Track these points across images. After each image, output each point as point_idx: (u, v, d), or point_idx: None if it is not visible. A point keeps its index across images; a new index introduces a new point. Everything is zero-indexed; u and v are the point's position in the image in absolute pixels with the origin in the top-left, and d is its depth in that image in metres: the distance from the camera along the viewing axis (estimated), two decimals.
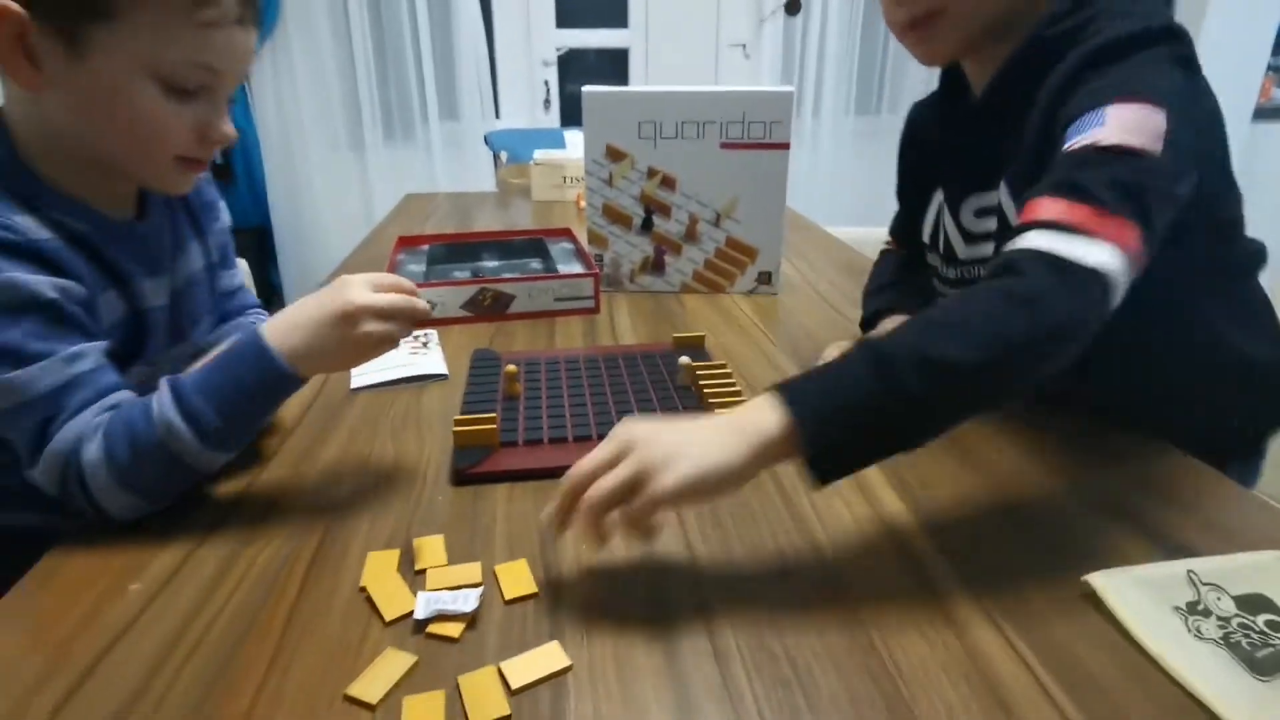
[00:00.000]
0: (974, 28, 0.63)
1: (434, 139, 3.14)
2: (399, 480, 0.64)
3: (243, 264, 1.74)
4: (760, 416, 0.46)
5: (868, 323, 0.84)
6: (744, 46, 3.29)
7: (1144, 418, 0.67)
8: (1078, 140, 0.51)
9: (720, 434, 0.46)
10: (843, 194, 3.29)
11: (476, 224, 1.64)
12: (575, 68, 3.33)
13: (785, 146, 1.05)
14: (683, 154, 1.06)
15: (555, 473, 0.62)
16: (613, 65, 3.35)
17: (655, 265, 1.13)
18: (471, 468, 0.63)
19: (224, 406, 0.56)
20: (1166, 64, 0.54)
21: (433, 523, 0.58)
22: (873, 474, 0.64)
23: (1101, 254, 0.47)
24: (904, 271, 0.88)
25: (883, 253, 0.94)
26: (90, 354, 0.58)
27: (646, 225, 1.11)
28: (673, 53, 3.27)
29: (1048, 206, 0.50)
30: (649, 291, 1.15)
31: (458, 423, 0.67)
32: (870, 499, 0.61)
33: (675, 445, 0.45)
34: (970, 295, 0.48)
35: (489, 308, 1.01)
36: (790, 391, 0.46)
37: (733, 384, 0.75)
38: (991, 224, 0.67)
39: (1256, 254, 0.69)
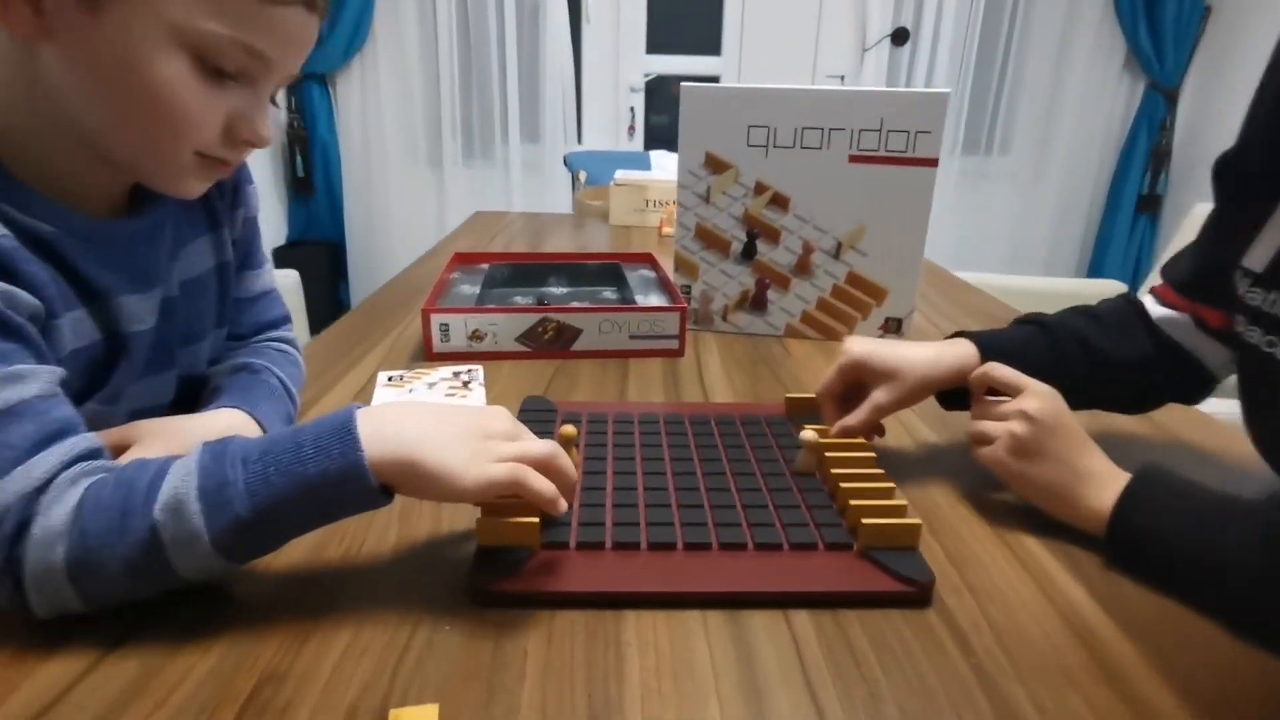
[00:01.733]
0: None
1: (513, 160, 3.05)
2: (395, 591, 0.44)
3: (293, 275, 1.62)
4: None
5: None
6: (843, 78, 3.09)
7: None
8: None
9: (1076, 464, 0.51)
10: (944, 238, 3.01)
11: (547, 246, 1.47)
12: (662, 97, 3.20)
13: (933, 163, 0.83)
14: (800, 167, 0.85)
15: (617, 600, 0.41)
16: None
17: (756, 302, 0.92)
18: (498, 583, 0.43)
19: (269, 508, 0.39)
20: None
21: (429, 674, 0.38)
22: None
23: None
24: (1120, 329, 0.62)
25: (1122, 296, 0.66)
26: (37, 378, 0.41)
27: (748, 253, 0.90)
28: (766, 81, 3.09)
29: None
30: (745, 333, 0.94)
31: (485, 509, 0.47)
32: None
33: None
34: None
35: (550, 342, 0.82)
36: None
37: (880, 474, 0.53)
38: None
39: None
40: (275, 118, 0.55)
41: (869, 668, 0.39)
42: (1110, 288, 1.66)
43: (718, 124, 0.85)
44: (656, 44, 3.08)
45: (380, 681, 0.37)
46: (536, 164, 3.06)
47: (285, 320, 0.69)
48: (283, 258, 2.98)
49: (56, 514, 0.38)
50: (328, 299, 3.14)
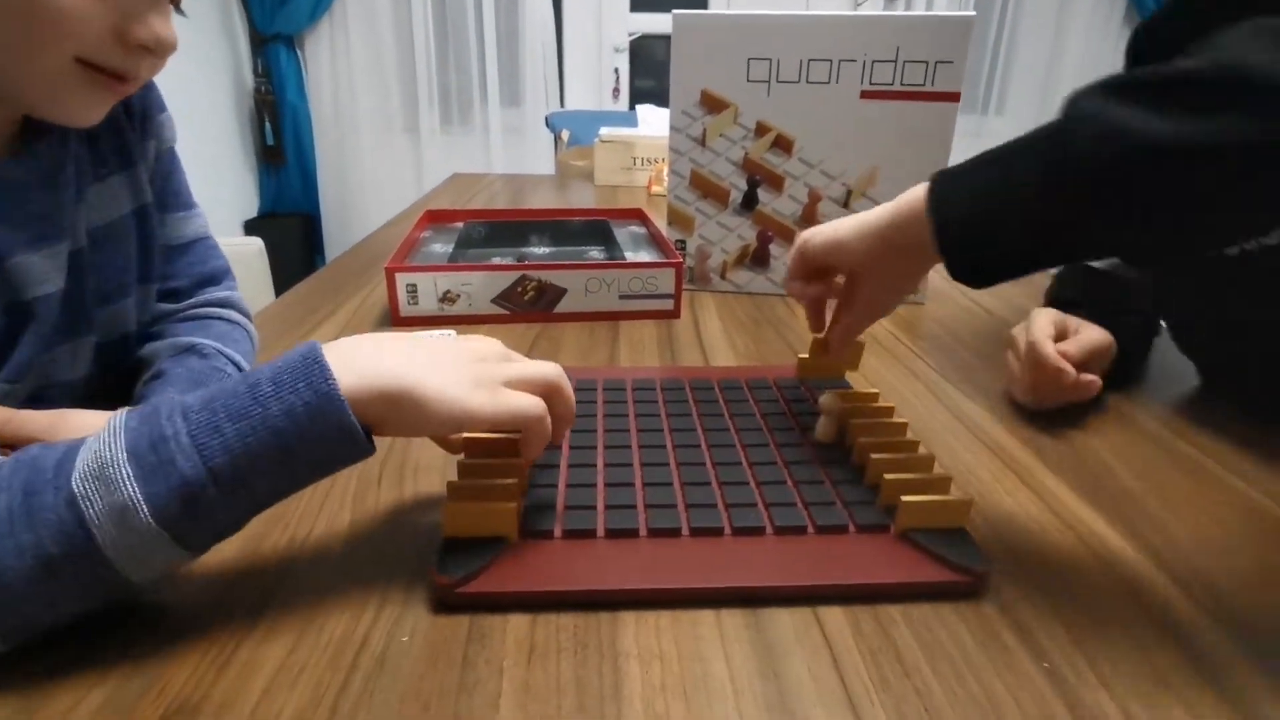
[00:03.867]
0: None
1: (493, 125, 2.93)
2: (342, 594, 0.37)
3: (255, 243, 1.52)
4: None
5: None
6: None
7: None
8: None
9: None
10: None
11: (529, 205, 1.37)
12: (647, 59, 3.07)
13: (955, 98, 0.74)
14: (807, 105, 0.76)
15: (613, 600, 0.34)
16: None
17: (758, 257, 0.84)
18: (466, 582, 0.35)
19: (240, 461, 0.30)
20: None
21: (380, 701, 0.30)
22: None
23: None
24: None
25: None
26: None
27: (749, 202, 0.82)
28: None
29: None
30: (746, 292, 0.86)
31: (452, 491, 0.39)
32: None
33: None
34: None
35: (531, 303, 0.74)
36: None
37: (914, 443, 0.45)
38: None
39: None
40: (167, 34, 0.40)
41: (921, 677, 0.32)
42: None
43: (714, 57, 0.76)
44: (641, 0, 2.95)
45: (317, 714, 0.30)
46: (518, 129, 2.94)
47: (226, 273, 0.60)
48: (253, 230, 2.85)
49: None
50: (303, 274, 3.02)
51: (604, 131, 1.56)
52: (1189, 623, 0.36)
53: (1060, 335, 0.56)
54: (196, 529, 0.31)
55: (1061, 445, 0.53)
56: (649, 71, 3.13)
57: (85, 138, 0.47)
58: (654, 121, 1.57)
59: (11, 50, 0.38)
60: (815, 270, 0.49)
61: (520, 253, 0.96)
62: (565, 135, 1.77)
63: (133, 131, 0.51)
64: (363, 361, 0.33)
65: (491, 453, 0.42)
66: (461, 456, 0.43)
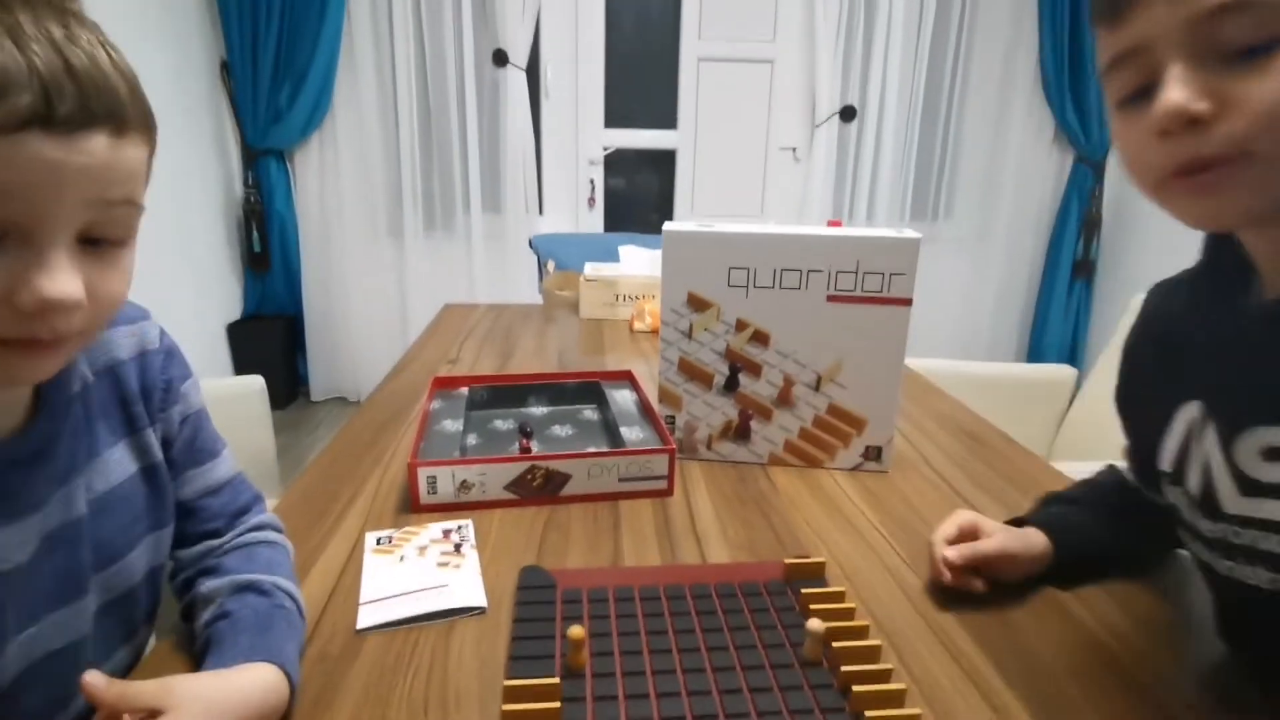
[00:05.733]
0: None
1: (475, 230, 3.06)
2: None
3: (257, 380, 1.58)
4: None
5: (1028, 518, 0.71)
6: (794, 150, 3.21)
7: None
8: None
9: None
10: None
11: (519, 345, 1.47)
12: (620, 165, 3.27)
13: (907, 303, 0.86)
14: (780, 306, 0.88)
15: None
16: (656, 163, 3.28)
17: (739, 432, 0.94)
18: None
19: None
20: None
21: None
22: None
23: None
24: (1114, 498, 0.69)
25: (1110, 466, 0.73)
26: None
27: (731, 385, 0.92)
28: (721, 154, 3.19)
29: None
30: (730, 460, 0.95)
31: (507, 698, 0.46)
32: None
33: None
34: None
35: (539, 489, 0.82)
36: None
37: (885, 669, 0.54)
38: None
39: None
40: (125, 263, 0.43)
41: None
42: (1059, 373, 1.74)
43: (699, 265, 0.88)
44: (614, 118, 3.16)
45: None
46: (499, 234, 3.07)
47: (257, 499, 0.66)
48: (237, 331, 2.90)
49: None
50: (285, 372, 3.06)
51: (589, 270, 1.67)
52: None
53: (970, 535, 0.66)
54: None
55: (1004, 630, 0.61)
56: (621, 173, 3.32)
57: (91, 417, 0.52)
58: (637, 261, 1.70)
59: None
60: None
61: (521, 414, 1.04)
62: (551, 266, 1.89)
63: (144, 403, 0.56)
64: None
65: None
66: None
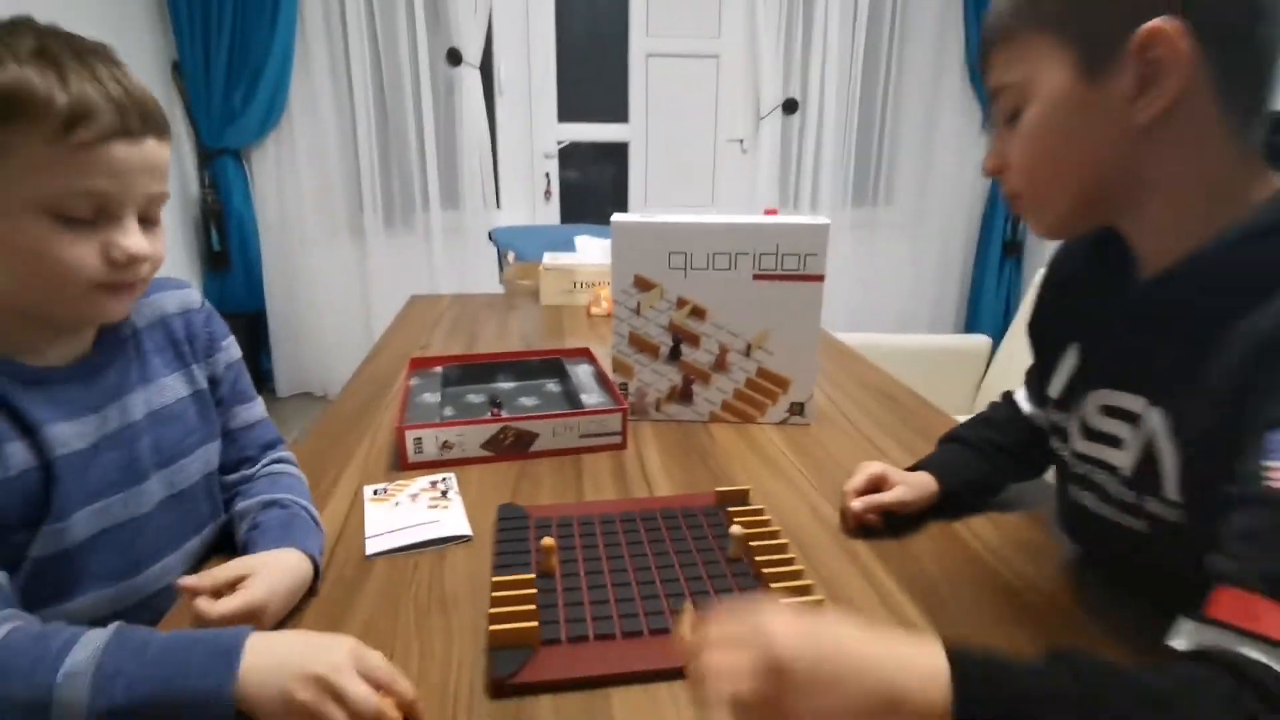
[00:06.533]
0: (1063, 210, 0.58)
1: (434, 226, 3.14)
2: (428, 687, 0.56)
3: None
4: (926, 693, 0.40)
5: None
6: (741, 141, 3.37)
7: None
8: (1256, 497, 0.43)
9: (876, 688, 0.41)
10: (842, 284, 3.30)
11: (484, 330, 1.59)
12: (574, 158, 3.39)
13: (820, 279, 1.02)
14: (714, 285, 1.02)
15: (607, 681, 0.55)
16: (609, 156, 3.41)
17: (683, 395, 1.08)
18: (512, 676, 0.56)
19: (142, 702, 0.47)
20: None
21: None
22: None
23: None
24: (999, 433, 0.84)
25: (1006, 395, 0.88)
26: None
27: (675, 354, 1.06)
28: (671, 147, 3.34)
29: (1268, 617, 0.40)
30: (676, 421, 1.09)
31: (493, 618, 0.59)
32: None
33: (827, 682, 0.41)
34: (1184, 679, 0.40)
35: (510, 446, 0.95)
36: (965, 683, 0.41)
37: (791, 559, 0.69)
38: (1120, 430, 0.59)
39: None
40: (159, 233, 0.62)
41: None
42: (976, 342, 1.94)
43: (644, 252, 1.02)
44: (567, 112, 3.27)
45: None
46: (458, 229, 3.16)
47: (279, 439, 0.83)
48: None
49: None
50: (250, 369, 3.10)
51: (548, 259, 1.80)
52: None
53: (878, 484, 0.80)
54: None
55: (893, 544, 0.77)
56: (574, 166, 3.44)
57: (146, 349, 0.68)
58: (592, 250, 1.83)
59: (42, 292, 0.57)
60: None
61: (491, 389, 1.17)
62: (511, 256, 2.01)
63: (189, 346, 0.73)
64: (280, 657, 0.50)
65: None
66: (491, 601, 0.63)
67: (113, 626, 0.51)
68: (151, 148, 0.58)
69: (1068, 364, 0.67)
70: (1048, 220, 0.59)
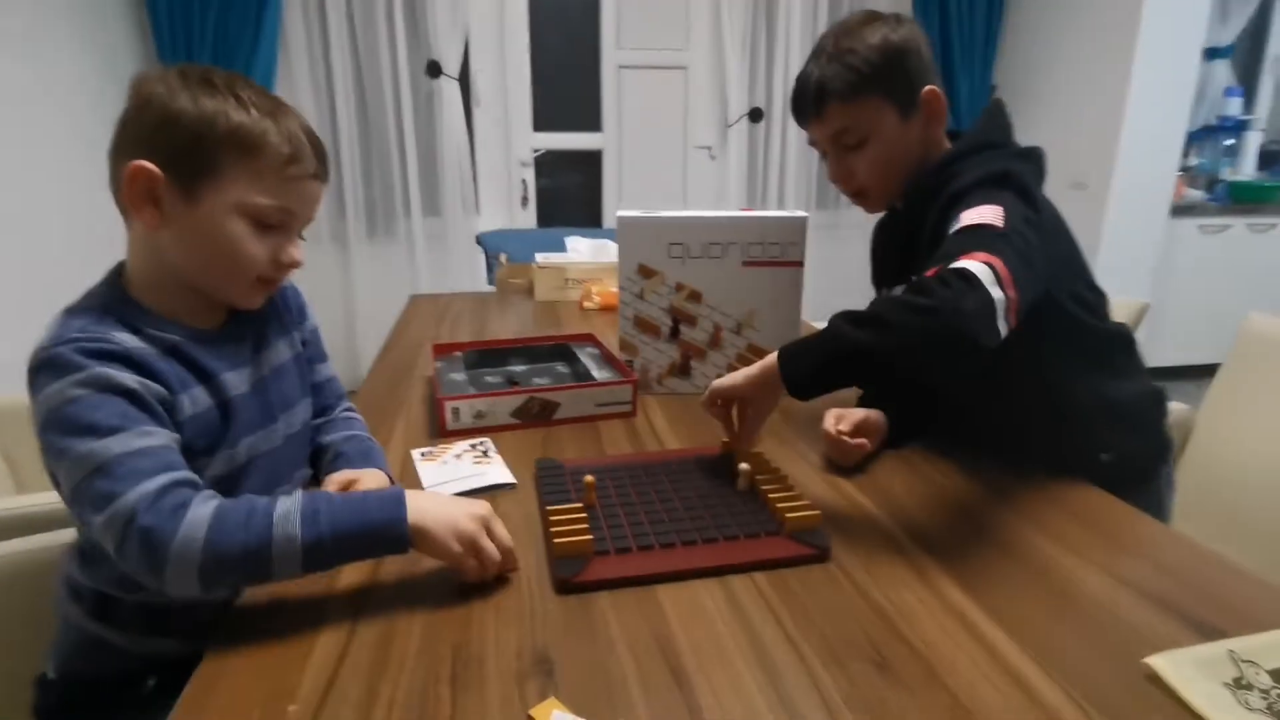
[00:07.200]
0: (893, 193, 0.98)
1: (417, 234, 3.24)
2: (504, 589, 0.69)
3: None
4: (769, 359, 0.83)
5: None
6: (709, 149, 3.54)
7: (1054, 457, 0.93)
8: (948, 234, 0.80)
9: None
10: (809, 280, 3.48)
11: (488, 324, 1.71)
12: (549, 165, 3.51)
13: (799, 264, 1.17)
14: (708, 271, 1.17)
15: (652, 579, 0.68)
16: (583, 163, 3.54)
17: (682, 370, 1.22)
18: (575, 576, 0.69)
19: (340, 532, 0.63)
20: (998, 189, 0.82)
21: (554, 632, 0.63)
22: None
23: (968, 264, 0.71)
24: None
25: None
26: (160, 434, 0.64)
27: (674, 334, 1.20)
28: (643, 154, 3.49)
29: (930, 269, 0.75)
30: (676, 394, 1.23)
31: (555, 534, 0.72)
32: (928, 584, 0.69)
33: None
34: (921, 285, 0.74)
35: (537, 415, 1.08)
36: (783, 348, 0.82)
37: (792, 486, 0.83)
38: None
39: (1120, 333, 0.98)
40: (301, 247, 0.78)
41: (799, 595, 0.68)
42: None
43: (647, 243, 1.16)
44: (542, 122, 3.40)
45: (526, 639, 0.62)
46: (439, 235, 3.26)
47: (344, 392, 0.97)
48: None
49: (200, 512, 0.59)
50: None
51: (540, 258, 1.93)
52: (921, 557, 0.74)
53: (859, 428, 0.96)
54: (317, 560, 0.63)
55: (866, 477, 0.92)
56: (548, 174, 3.56)
57: (262, 317, 0.82)
58: (582, 249, 1.96)
59: (222, 278, 0.73)
60: (722, 401, 0.88)
61: (507, 371, 1.30)
62: (504, 258, 2.13)
63: (289, 314, 0.87)
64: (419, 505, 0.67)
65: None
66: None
67: (298, 491, 0.65)
68: (323, 189, 0.76)
69: (889, 276, 1.06)
70: (881, 205, 1.01)
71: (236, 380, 0.75)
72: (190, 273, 0.72)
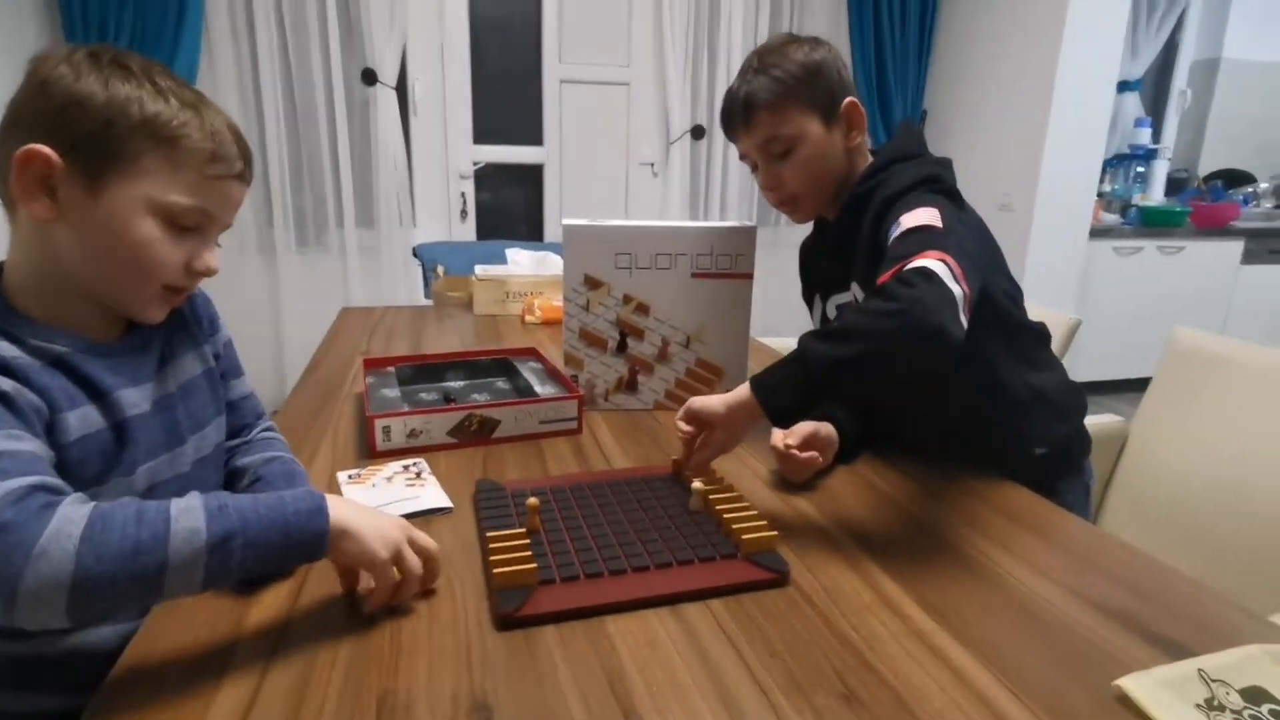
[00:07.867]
0: (821, 201, 1.00)
1: (349, 245, 3.11)
2: (441, 624, 0.62)
3: None
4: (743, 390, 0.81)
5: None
6: (652, 165, 3.53)
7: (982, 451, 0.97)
8: (889, 240, 0.83)
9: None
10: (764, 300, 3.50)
11: (423, 338, 1.63)
12: (490, 178, 3.44)
13: (749, 276, 1.14)
14: (656, 283, 1.13)
15: (602, 610, 0.63)
16: (524, 177, 3.48)
17: (629, 384, 1.18)
18: (518, 610, 0.63)
19: (252, 529, 0.55)
20: (930, 194, 0.87)
21: (494, 674, 0.57)
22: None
23: (925, 262, 0.74)
24: None
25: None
26: (31, 442, 0.55)
27: (621, 347, 1.16)
28: (585, 169, 3.46)
29: (884, 274, 0.77)
30: (623, 409, 1.18)
31: (495, 563, 0.66)
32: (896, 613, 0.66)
33: None
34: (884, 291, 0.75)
35: (475, 433, 1.01)
36: (755, 379, 0.80)
37: (748, 505, 0.79)
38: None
39: (1038, 327, 1.03)
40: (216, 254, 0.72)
41: (759, 623, 0.64)
42: None
43: (593, 253, 1.11)
44: (482, 134, 3.33)
45: (463, 681, 0.56)
46: (373, 247, 3.14)
47: (263, 410, 0.89)
48: None
49: (73, 510, 0.49)
50: None
51: (480, 270, 1.86)
52: (876, 572, 0.71)
53: (808, 441, 0.93)
54: (218, 569, 0.53)
55: (818, 493, 0.89)
56: (488, 188, 3.49)
57: (169, 329, 0.74)
58: (523, 262, 1.90)
59: (124, 285, 0.65)
60: (697, 423, 0.85)
61: (443, 388, 1.22)
62: (441, 270, 2.05)
63: (198, 327, 0.79)
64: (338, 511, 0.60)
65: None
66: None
67: (200, 497, 0.55)
68: (245, 192, 0.69)
69: (817, 307, 1.08)
70: (810, 213, 1.03)
71: (136, 398, 0.67)
72: (86, 276, 0.64)
